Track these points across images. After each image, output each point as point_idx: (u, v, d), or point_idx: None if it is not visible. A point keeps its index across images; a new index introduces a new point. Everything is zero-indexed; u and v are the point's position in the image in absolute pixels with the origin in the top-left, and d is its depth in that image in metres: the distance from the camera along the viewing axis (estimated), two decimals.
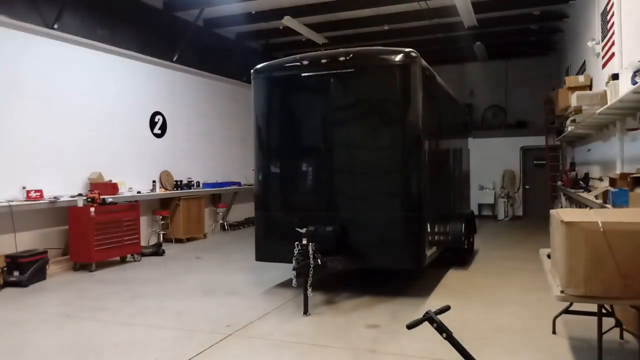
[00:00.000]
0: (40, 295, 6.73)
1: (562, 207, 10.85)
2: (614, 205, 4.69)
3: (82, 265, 8.21)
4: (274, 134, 6.88)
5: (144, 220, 10.20)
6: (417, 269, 6.50)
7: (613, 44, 6.52)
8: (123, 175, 9.84)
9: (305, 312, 5.50)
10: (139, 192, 10.14)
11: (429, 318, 2.90)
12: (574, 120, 7.83)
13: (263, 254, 6.70)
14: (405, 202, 6.08)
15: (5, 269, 7.10)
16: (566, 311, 4.73)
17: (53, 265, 7.99)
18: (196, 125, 12.45)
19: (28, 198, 7.84)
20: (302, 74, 6.43)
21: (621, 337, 4.52)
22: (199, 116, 12.57)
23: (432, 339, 3.53)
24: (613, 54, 6.54)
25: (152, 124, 11.08)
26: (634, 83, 4.64)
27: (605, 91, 6.43)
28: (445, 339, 2.88)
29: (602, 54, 7.47)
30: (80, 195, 8.52)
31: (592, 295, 3.22)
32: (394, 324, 5.18)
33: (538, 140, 14.94)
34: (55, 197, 8.19)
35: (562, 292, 3.29)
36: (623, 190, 4.76)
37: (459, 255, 8.21)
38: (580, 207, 7.41)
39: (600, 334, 3.70)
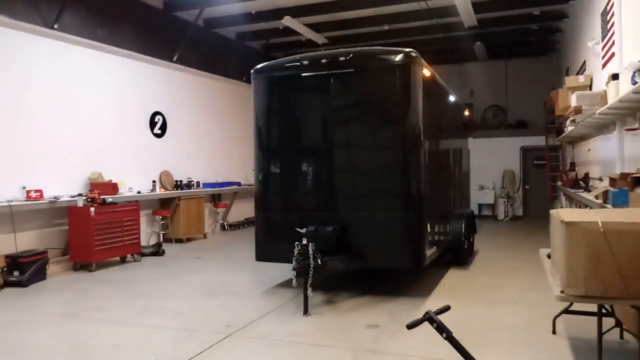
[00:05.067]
0: (40, 295, 6.73)
1: (562, 207, 10.85)
2: (614, 205, 4.69)
3: (82, 265, 8.21)
4: (274, 134, 6.88)
5: (144, 220, 10.20)
6: (417, 269, 6.49)
7: (613, 44, 6.52)
8: (123, 175, 9.84)
9: (305, 312, 5.50)
10: (139, 192, 10.14)
11: (429, 318, 2.90)
12: (574, 120, 7.83)
13: (263, 254, 6.70)
14: (405, 202, 6.08)
15: (5, 269, 7.11)
16: (566, 311, 4.73)
17: (53, 265, 7.99)
18: (196, 125, 12.45)
19: (28, 198, 7.84)
20: (302, 74, 6.43)
21: (621, 337, 4.52)
22: (199, 116, 12.58)
23: (432, 339, 3.53)
24: (613, 54, 6.54)
25: (152, 124, 11.08)
26: (634, 83, 4.64)
27: (605, 91, 6.43)
28: (445, 339, 2.88)
29: (602, 54, 7.46)
30: (80, 195, 8.51)
31: (592, 295, 3.21)
32: (394, 324, 5.18)
33: (538, 140, 14.94)
34: (55, 197, 8.18)
35: (562, 292, 3.29)
36: (623, 190, 4.75)
37: (459, 255, 8.21)
38: (580, 207, 7.41)
39: (600, 334, 3.69)
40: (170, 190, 11.12)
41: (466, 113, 11.06)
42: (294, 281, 5.63)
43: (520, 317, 5.38)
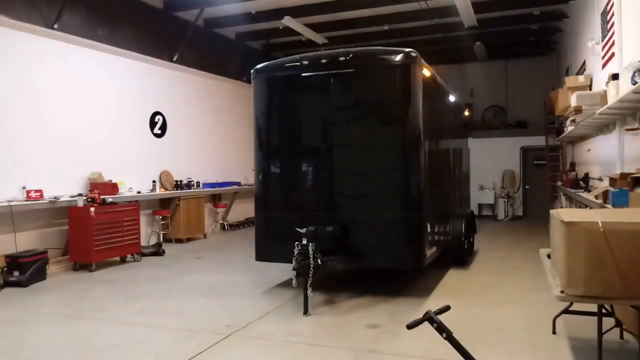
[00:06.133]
0: (40, 295, 6.73)
1: (562, 207, 10.85)
2: (614, 205, 4.69)
3: (82, 265, 8.21)
4: (274, 134, 6.88)
5: (144, 220, 10.20)
6: (417, 269, 6.49)
7: (613, 44, 6.52)
8: (123, 175, 9.83)
9: (305, 312, 5.50)
10: (139, 192, 10.14)
11: (429, 318, 2.90)
12: (574, 120, 7.83)
13: (263, 254, 6.70)
14: (405, 202, 6.08)
15: (5, 269, 7.10)
16: (566, 311, 4.73)
17: (53, 265, 7.99)
18: (196, 125, 12.45)
19: (28, 198, 7.84)
20: (302, 74, 6.43)
21: (621, 337, 4.52)
22: (199, 116, 12.57)
23: (432, 339, 3.53)
24: (613, 54, 6.54)
25: (152, 124, 11.08)
26: (634, 83, 4.64)
27: (605, 91, 6.43)
28: (445, 339, 2.88)
29: (602, 54, 7.47)
30: (80, 195, 8.52)
31: (592, 295, 3.21)
32: (394, 324, 5.18)
33: (538, 140, 14.94)
34: (55, 197, 8.18)
35: (562, 292, 3.29)
36: (623, 190, 4.75)
37: (459, 255, 8.21)
38: (580, 207, 7.41)
39: (600, 334, 3.69)
40: (170, 190, 11.12)
41: (466, 113, 11.07)
42: (294, 281, 5.63)
43: (520, 317, 5.38)
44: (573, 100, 7.51)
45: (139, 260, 9.02)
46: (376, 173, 6.20)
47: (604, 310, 3.85)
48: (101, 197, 8.41)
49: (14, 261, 7.13)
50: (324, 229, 5.99)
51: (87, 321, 5.46)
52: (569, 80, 8.76)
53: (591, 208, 5.47)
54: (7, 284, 7.04)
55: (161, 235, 10.91)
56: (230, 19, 12.28)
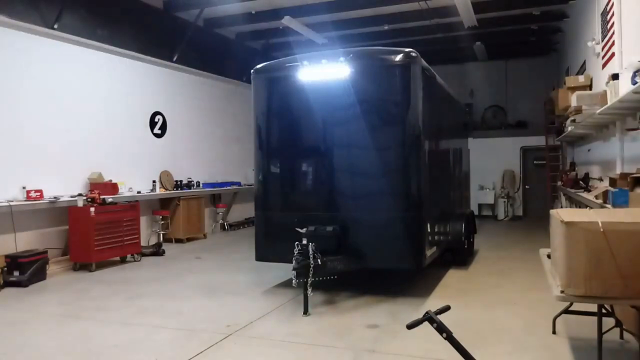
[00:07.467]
0: (40, 295, 6.73)
1: (562, 207, 10.85)
2: (614, 205, 4.69)
3: (82, 265, 8.21)
4: (274, 134, 6.89)
5: (144, 220, 10.20)
6: (417, 269, 6.49)
7: (613, 44, 6.52)
8: (123, 175, 9.83)
9: (305, 312, 5.51)
10: (139, 192, 10.14)
11: (429, 318, 2.90)
12: (574, 120, 7.82)
13: (263, 254, 6.71)
14: (405, 202, 6.08)
15: (5, 269, 7.11)
16: (566, 311, 4.73)
17: (53, 265, 7.99)
18: (196, 125, 12.45)
19: (28, 198, 7.84)
20: (302, 74, 6.43)
21: (621, 337, 4.52)
22: (199, 116, 12.58)
23: (432, 339, 3.53)
24: (613, 54, 6.53)
25: (152, 124, 11.08)
26: (634, 83, 4.64)
27: (605, 91, 6.43)
28: (445, 339, 2.88)
29: (602, 54, 7.46)
30: (80, 195, 8.52)
31: (592, 295, 3.21)
32: (394, 324, 5.18)
33: (538, 140, 14.94)
34: (55, 197, 8.18)
35: (562, 292, 3.28)
36: (623, 190, 4.75)
37: (459, 255, 8.21)
38: (580, 207, 7.41)
39: (600, 334, 3.69)
40: (170, 190, 11.12)
41: (466, 113, 11.07)
42: (294, 281, 5.63)
43: (520, 317, 5.38)
44: (573, 100, 7.51)
45: (139, 260, 9.02)
46: (376, 173, 6.19)
47: (604, 310, 3.85)
48: (101, 197, 8.41)
49: (14, 261, 7.14)
50: (324, 229, 6.00)
51: (87, 321, 5.46)
52: (569, 80, 8.76)
53: (591, 208, 5.47)
54: (7, 284, 7.05)
55: (161, 235, 10.90)
56: (230, 19, 12.28)
